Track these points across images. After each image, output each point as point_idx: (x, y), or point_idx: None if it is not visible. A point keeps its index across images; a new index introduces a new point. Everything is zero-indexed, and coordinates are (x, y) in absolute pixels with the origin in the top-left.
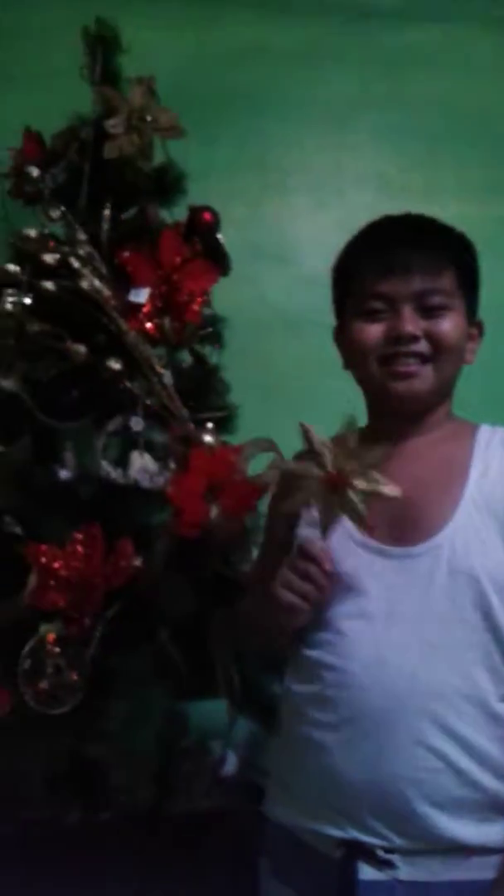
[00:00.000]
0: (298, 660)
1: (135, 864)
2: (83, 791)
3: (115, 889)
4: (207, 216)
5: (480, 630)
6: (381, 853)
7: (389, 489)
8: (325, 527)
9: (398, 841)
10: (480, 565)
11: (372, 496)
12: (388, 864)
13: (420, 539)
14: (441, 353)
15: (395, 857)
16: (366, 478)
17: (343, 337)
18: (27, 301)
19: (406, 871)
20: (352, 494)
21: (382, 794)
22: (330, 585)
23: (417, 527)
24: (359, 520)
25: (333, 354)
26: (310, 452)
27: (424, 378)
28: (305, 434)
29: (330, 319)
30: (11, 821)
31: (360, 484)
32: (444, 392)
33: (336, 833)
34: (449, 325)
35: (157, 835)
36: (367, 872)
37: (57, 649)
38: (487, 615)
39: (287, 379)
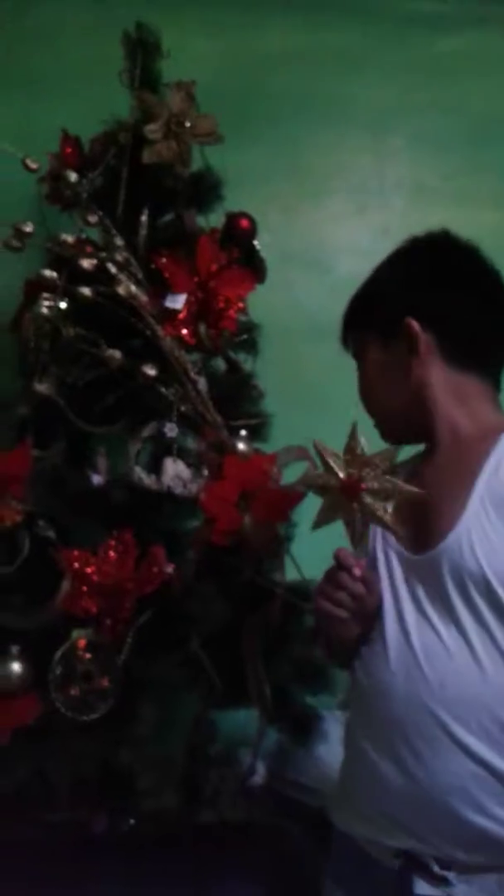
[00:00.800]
0: (352, 670)
1: (158, 871)
2: (110, 797)
3: (139, 894)
4: (245, 223)
5: (500, 631)
6: (436, 869)
7: (404, 487)
8: (353, 536)
9: (451, 851)
10: (488, 565)
11: (389, 496)
12: (444, 881)
13: (434, 544)
14: (363, 401)
15: (450, 875)
16: (378, 480)
17: None
18: (63, 306)
19: (462, 889)
20: (367, 498)
21: (427, 802)
22: (365, 593)
23: (433, 532)
24: (381, 523)
25: None
26: (326, 466)
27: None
28: (320, 452)
29: None
30: (38, 825)
31: (372, 485)
32: (404, 418)
33: (392, 843)
34: (360, 378)
35: (182, 842)
36: (423, 887)
37: (88, 655)
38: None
39: (321, 387)
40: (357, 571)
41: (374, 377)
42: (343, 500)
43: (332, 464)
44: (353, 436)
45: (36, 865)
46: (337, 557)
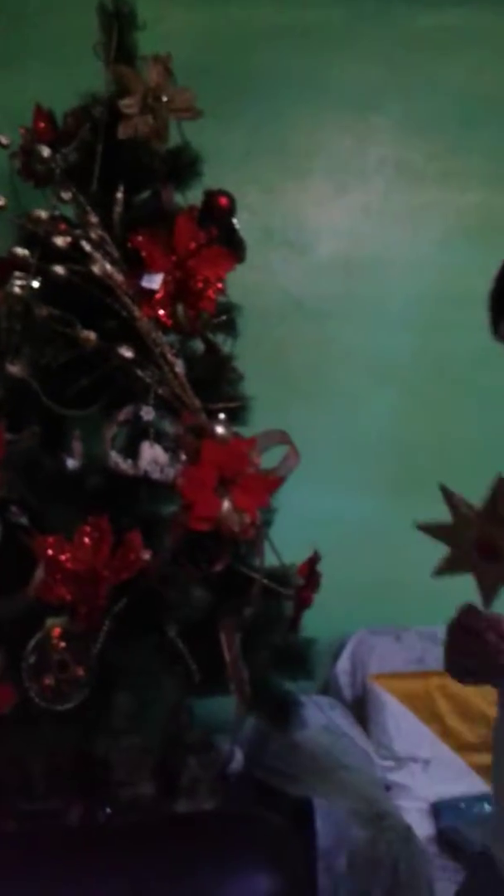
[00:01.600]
0: None
1: (135, 861)
2: (86, 786)
3: (116, 885)
4: (223, 201)
5: None
6: None
7: None
8: (485, 595)
9: None
10: None
11: None
12: None
13: None
14: None
15: None
16: None
17: None
18: (36, 285)
19: None
20: None
21: None
22: None
23: None
24: None
25: (349, 344)
26: (457, 516)
27: None
28: (448, 499)
29: (346, 307)
30: (13, 816)
31: None
32: None
33: None
34: None
35: (159, 831)
36: None
37: (63, 644)
38: None
39: (301, 369)
40: (491, 637)
41: None
42: (475, 556)
43: (464, 515)
44: (500, 493)
45: (12, 856)
46: (466, 624)
